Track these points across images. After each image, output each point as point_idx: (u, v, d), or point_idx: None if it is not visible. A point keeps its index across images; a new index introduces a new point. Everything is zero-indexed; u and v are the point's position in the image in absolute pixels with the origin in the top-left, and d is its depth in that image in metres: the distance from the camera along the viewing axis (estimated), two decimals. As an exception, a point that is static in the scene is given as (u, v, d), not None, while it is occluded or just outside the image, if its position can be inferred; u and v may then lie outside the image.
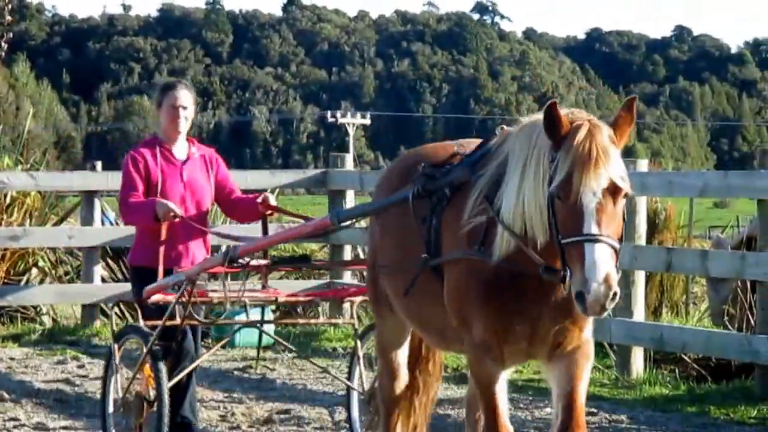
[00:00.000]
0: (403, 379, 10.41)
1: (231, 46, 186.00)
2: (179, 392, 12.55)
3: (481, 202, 8.59)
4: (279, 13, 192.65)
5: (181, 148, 11.90)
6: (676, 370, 17.77)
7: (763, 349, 15.65)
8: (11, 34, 35.58)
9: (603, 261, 7.69)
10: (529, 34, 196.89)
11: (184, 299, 11.35)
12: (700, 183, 18.47)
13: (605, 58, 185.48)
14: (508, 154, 8.72)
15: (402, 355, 10.37)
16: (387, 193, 10.61)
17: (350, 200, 23.35)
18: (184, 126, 12.00)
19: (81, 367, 19.69)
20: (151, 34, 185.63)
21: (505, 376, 8.96)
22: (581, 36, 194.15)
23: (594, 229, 7.79)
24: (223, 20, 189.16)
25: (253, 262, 11.71)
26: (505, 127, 9.30)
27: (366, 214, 11.21)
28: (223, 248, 12.08)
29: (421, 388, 10.94)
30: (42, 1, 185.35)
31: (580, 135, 7.93)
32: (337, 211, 11.26)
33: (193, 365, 12.59)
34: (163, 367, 11.37)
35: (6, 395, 17.40)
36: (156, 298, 11.67)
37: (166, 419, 11.33)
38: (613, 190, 7.89)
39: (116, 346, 11.72)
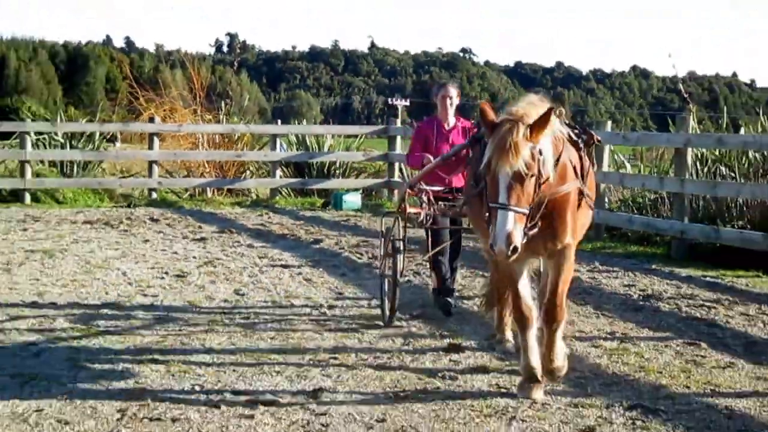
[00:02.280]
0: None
1: (343, 66, 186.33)
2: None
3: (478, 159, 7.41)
4: (366, 49, 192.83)
5: (449, 122, 10.80)
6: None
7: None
8: (239, 59, 35.76)
9: (507, 225, 6.47)
10: (487, 62, 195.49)
11: (402, 209, 10.01)
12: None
13: (523, 76, 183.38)
14: None
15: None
16: None
17: (398, 143, 23.24)
18: (451, 110, 10.77)
19: (269, 219, 19.60)
20: (304, 59, 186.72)
21: (522, 268, 7.49)
22: (512, 64, 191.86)
23: (504, 200, 6.54)
24: (338, 53, 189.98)
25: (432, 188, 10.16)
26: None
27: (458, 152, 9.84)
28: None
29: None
30: (254, 43, 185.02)
31: (501, 131, 6.63)
32: (443, 154, 10.01)
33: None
34: (399, 258, 9.89)
35: (233, 230, 17.39)
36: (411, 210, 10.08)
37: (396, 294, 9.73)
38: (519, 175, 6.52)
39: (382, 240, 10.32)
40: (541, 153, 6.70)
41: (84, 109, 55.03)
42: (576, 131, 7.81)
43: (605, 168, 16.74)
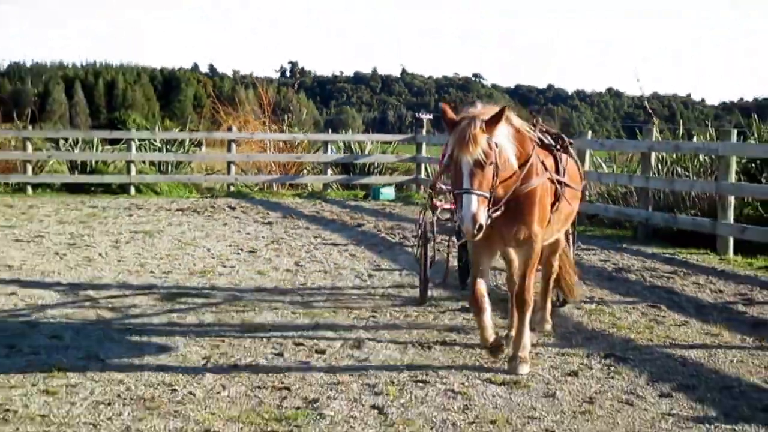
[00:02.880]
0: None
1: (380, 87, 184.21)
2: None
3: None
4: (398, 75, 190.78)
5: None
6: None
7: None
8: (299, 81, 35.59)
9: (472, 206, 5.99)
10: (493, 85, 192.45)
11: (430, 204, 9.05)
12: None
13: (522, 96, 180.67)
14: None
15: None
16: None
17: (423, 148, 23.19)
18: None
19: (322, 207, 19.60)
20: (350, 82, 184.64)
21: (487, 260, 6.84)
22: (513, 86, 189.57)
23: (468, 185, 6.04)
24: (377, 77, 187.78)
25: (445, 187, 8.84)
26: None
27: None
28: None
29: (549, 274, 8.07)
30: (311, 69, 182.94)
31: (460, 126, 6.18)
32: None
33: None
34: (428, 248, 9.10)
35: (294, 216, 17.43)
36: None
37: (423, 275, 9.10)
38: (479, 162, 6.05)
39: (419, 231, 9.20)
40: (497, 146, 6.22)
41: (177, 121, 55.28)
42: (552, 136, 7.48)
43: (586, 168, 16.67)
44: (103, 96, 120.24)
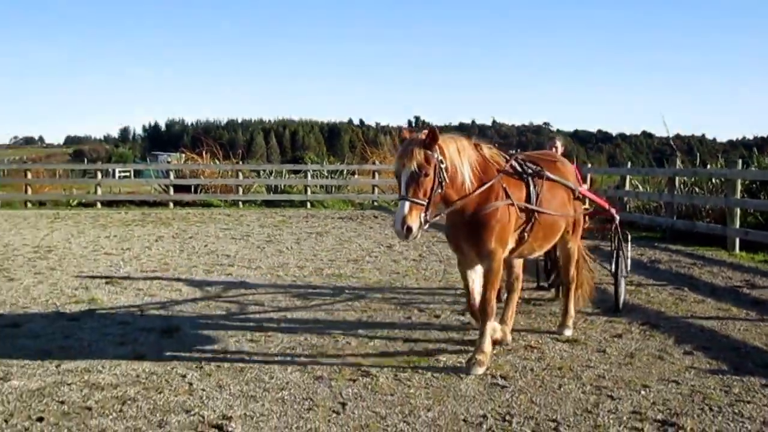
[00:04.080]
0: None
1: (477, 132, 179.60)
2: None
3: None
4: (490, 123, 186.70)
5: None
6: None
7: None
8: (421, 130, 35.23)
9: (404, 211, 4.86)
10: (558, 129, 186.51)
11: None
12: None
13: (580, 137, 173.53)
14: None
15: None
16: None
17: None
18: (557, 155, 7.23)
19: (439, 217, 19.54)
20: (456, 129, 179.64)
21: (471, 269, 5.52)
22: (572, 130, 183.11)
23: (403, 193, 4.93)
24: (474, 126, 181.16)
25: None
26: None
27: None
28: None
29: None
30: (429, 120, 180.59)
31: (403, 144, 5.07)
32: None
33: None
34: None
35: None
36: None
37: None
38: (414, 174, 4.90)
39: None
40: (441, 162, 5.08)
41: (338, 158, 56.11)
42: (526, 167, 5.89)
43: (627, 188, 16.26)
44: (288, 141, 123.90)
